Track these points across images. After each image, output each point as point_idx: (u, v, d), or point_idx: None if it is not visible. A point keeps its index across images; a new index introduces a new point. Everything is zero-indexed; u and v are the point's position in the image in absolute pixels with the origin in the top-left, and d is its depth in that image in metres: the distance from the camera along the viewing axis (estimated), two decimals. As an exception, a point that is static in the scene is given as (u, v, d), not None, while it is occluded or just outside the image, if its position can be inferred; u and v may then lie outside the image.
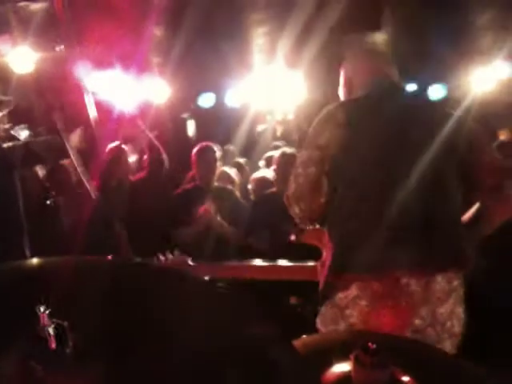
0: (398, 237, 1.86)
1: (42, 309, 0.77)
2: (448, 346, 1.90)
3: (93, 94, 5.90)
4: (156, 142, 4.92)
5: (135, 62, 6.20)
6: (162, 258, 2.47)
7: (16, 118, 7.82)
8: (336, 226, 2.01)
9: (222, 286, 1.61)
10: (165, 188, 4.94)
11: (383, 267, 1.86)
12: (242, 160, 6.26)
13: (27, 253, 3.32)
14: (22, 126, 8.38)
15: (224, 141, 6.62)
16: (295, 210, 2.10)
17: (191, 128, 9.47)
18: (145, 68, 6.64)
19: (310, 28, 5.09)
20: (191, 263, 2.30)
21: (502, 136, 6.25)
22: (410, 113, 2.03)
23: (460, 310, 1.95)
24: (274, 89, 7.40)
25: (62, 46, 3.17)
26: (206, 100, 8.32)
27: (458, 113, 2.04)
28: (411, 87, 7.63)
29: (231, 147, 6.86)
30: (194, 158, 4.63)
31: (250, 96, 7.57)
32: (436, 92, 7.61)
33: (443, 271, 1.90)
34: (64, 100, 4.91)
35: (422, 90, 7.47)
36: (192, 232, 4.11)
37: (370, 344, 0.90)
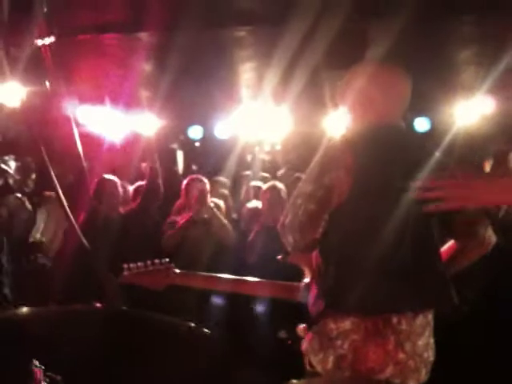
0: (391, 280, 1.96)
1: (36, 363, 0.80)
2: (423, 374, 2.02)
3: (82, 127, 5.96)
4: (156, 170, 4.95)
5: (124, 96, 6.28)
6: (148, 263, 2.47)
7: (3, 149, 7.85)
8: (332, 262, 2.06)
9: (208, 330, 1.63)
10: (155, 219, 4.96)
11: (379, 309, 1.97)
12: (226, 191, 6.32)
13: (7, 292, 3.32)
14: (10, 157, 8.40)
15: (213, 172, 6.68)
16: (289, 240, 2.12)
17: (180, 159, 9.54)
18: (133, 102, 6.73)
19: (296, 63, 5.19)
20: (176, 270, 2.32)
21: (488, 167, 6.36)
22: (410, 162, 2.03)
23: (432, 341, 2.08)
24: (261, 121, 7.50)
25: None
26: (195, 132, 8.42)
27: (440, 156, 2.11)
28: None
29: (220, 178, 6.92)
30: (185, 189, 4.69)
31: (238, 128, 7.67)
32: (420, 125, 7.74)
33: (429, 310, 2.03)
34: (51, 133, 4.94)
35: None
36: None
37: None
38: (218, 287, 2.54)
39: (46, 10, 1.44)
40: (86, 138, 6.05)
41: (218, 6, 4.65)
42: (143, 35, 5.16)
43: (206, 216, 4.61)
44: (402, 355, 1.96)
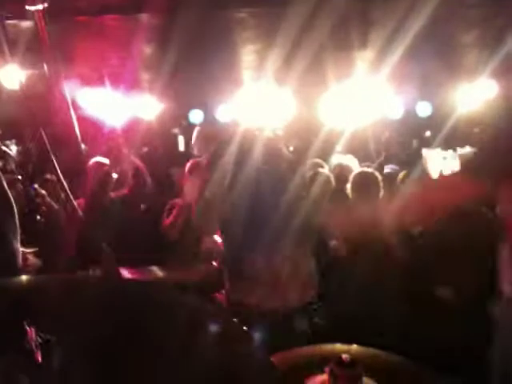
0: None
1: (29, 323, 0.80)
2: None
3: (82, 110, 5.94)
4: (140, 167, 4.94)
5: (124, 79, 6.25)
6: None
7: (5, 133, 7.83)
8: None
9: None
10: (152, 201, 4.96)
11: None
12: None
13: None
14: (11, 141, 8.39)
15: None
16: None
17: (181, 143, 9.52)
18: (134, 85, 6.70)
19: (299, 46, 5.16)
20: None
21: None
22: None
23: None
24: (263, 105, 7.47)
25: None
26: (196, 116, 8.38)
27: None
28: (398, 104, 7.75)
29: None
30: (187, 173, 4.67)
31: (240, 112, 7.64)
32: (422, 110, 7.71)
33: None
34: (51, 117, 4.92)
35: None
36: None
37: (343, 357, 0.93)
38: None
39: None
40: (86, 121, 6.03)
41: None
42: (144, 16, 5.13)
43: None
44: None
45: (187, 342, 0.97)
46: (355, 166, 5.19)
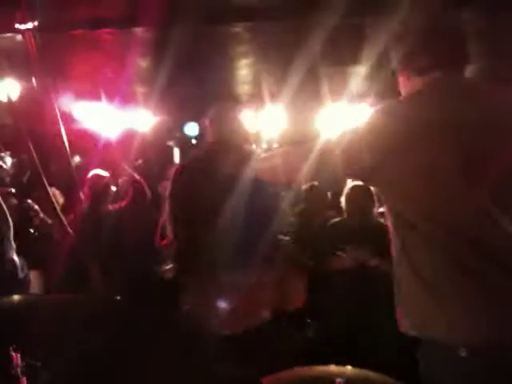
0: None
1: (14, 349, 0.78)
2: None
3: (77, 123, 5.93)
4: (139, 180, 4.91)
5: (119, 93, 6.25)
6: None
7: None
8: None
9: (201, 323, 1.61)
10: (150, 213, 4.93)
11: None
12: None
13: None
14: (6, 153, 8.37)
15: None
16: None
17: (177, 155, 9.54)
18: (129, 98, 6.70)
19: (293, 59, 5.18)
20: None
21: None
22: None
23: None
24: (258, 118, 7.49)
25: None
26: (191, 129, 8.41)
27: None
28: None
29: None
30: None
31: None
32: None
33: None
34: (42, 130, 4.90)
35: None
36: None
37: (337, 382, 0.92)
38: None
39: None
40: (81, 134, 6.03)
41: (214, 1, 4.64)
42: (139, 31, 5.14)
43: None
44: None
45: (171, 361, 0.96)
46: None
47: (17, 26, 1.49)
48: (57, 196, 4.44)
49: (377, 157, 1.56)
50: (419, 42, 1.70)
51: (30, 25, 1.48)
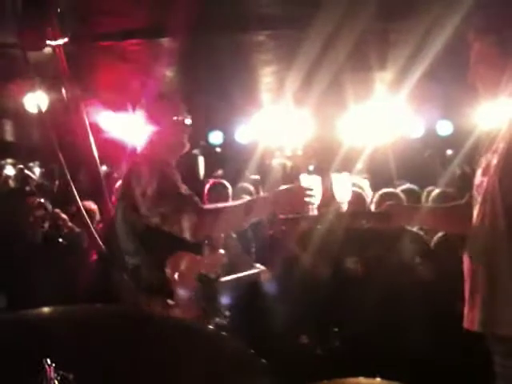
0: None
1: (48, 361, 0.79)
2: None
3: (104, 133, 6.01)
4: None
5: (146, 102, 6.31)
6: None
7: (29, 155, 7.97)
8: None
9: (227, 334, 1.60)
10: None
11: None
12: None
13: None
14: (34, 163, 8.53)
15: (234, 178, 6.65)
16: None
17: (201, 165, 9.58)
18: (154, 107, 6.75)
19: (317, 67, 5.18)
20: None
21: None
22: None
23: None
24: (282, 126, 7.49)
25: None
26: (216, 137, 8.44)
27: None
28: (418, 123, 7.70)
29: (244, 184, 6.87)
30: (207, 195, 4.67)
31: (259, 133, 7.66)
32: (442, 129, 7.64)
33: None
34: (71, 140, 4.96)
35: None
36: None
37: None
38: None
39: (59, 10, 1.45)
40: (109, 143, 6.10)
41: (239, 11, 4.67)
42: (165, 41, 5.20)
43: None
44: None
45: (199, 373, 0.96)
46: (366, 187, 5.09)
47: (48, 42, 1.52)
48: (90, 205, 4.48)
49: None
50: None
51: (60, 41, 1.50)
